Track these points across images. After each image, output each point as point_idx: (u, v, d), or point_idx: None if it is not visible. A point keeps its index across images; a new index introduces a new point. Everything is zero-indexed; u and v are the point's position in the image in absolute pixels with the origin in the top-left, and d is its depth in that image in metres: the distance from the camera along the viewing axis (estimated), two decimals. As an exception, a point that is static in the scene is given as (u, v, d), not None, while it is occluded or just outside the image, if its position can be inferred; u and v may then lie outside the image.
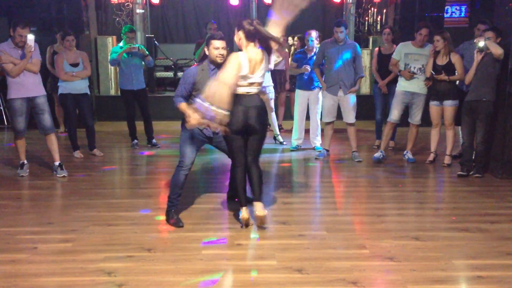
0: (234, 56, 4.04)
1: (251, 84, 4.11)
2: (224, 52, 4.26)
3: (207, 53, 4.33)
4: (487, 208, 4.84)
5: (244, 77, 4.06)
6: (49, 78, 8.15)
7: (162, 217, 4.49)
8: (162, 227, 4.37)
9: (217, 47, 4.23)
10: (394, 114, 6.49)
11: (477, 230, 4.24)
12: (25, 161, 6.01)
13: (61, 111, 8.07)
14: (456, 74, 6.07)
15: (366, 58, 9.90)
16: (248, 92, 4.11)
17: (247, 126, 4.14)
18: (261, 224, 4.24)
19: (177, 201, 4.43)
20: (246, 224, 4.26)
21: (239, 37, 4.11)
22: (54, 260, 3.65)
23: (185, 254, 3.75)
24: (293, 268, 3.51)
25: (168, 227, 4.37)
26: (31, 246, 3.89)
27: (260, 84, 4.18)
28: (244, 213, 4.25)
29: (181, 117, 4.23)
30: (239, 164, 4.27)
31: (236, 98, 4.07)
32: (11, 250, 3.82)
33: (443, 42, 6.05)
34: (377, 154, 6.54)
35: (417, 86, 6.35)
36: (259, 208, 4.22)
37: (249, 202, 4.34)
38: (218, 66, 4.21)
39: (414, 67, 6.34)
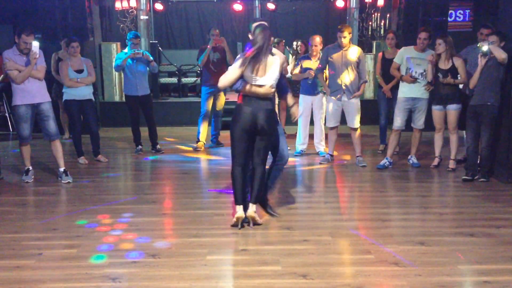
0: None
1: (260, 86, 4.19)
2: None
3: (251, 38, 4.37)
4: (493, 213, 4.81)
5: (250, 79, 4.16)
6: (54, 84, 8.18)
7: (167, 223, 4.49)
8: (166, 233, 4.37)
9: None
10: (398, 121, 6.47)
11: (483, 235, 4.22)
12: (30, 167, 6.03)
13: (66, 117, 8.10)
14: (459, 78, 6.07)
15: (370, 62, 9.90)
16: (257, 95, 4.21)
17: (254, 128, 4.23)
18: (253, 222, 4.35)
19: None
20: (239, 223, 4.31)
21: None
22: (59, 266, 3.65)
23: (189, 259, 3.74)
24: (298, 274, 3.50)
25: (172, 232, 4.38)
26: (36, 252, 3.89)
27: (271, 87, 4.24)
28: (240, 212, 4.34)
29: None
30: (239, 164, 4.35)
31: (246, 100, 4.22)
32: (16, 256, 3.83)
33: (445, 46, 6.05)
34: (383, 162, 6.52)
35: (419, 91, 6.34)
36: (252, 208, 4.36)
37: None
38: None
39: (416, 72, 6.34)
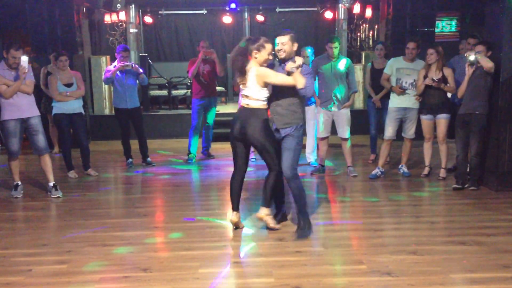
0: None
1: (245, 96, 4.40)
2: (284, 47, 4.42)
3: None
4: (484, 221, 4.84)
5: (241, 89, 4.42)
6: (43, 98, 8.15)
7: (158, 237, 4.45)
8: (158, 247, 4.34)
9: (277, 43, 4.48)
10: (389, 131, 6.52)
11: (474, 243, 4.23)
12: (19, 182, 5.97)
13: (55, 131, 8.05)
14: (448, 85, 6.13)
15: (359, 73, 9.97)
16: (247, 104, 4.40)
17: (243, 137, 4.41)
18: (259, 220, 4.59)
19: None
20: (235, 227, 4.62)
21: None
22: (49, 282, 3.61)
23: (181, 273, 3.71)
24: (291, 286, 3.48)
25: (164, 246, 4.34)
26: (25, 268, 3.84)
27: (247, 97, 4.39)
28: (233, 217, 4.56)
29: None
30: (236, 170, 4.55)
31: (239, 110, 4.48)
32: (6, 273, 3.78)
33: (436, 56, 6.11)
34: (375, 172, 6.55)
35: (409, 101, 6.39)
36: (262, 211, 4.51)
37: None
38: (283, 60, 4.47)
39: (406, 82, 6.39)
